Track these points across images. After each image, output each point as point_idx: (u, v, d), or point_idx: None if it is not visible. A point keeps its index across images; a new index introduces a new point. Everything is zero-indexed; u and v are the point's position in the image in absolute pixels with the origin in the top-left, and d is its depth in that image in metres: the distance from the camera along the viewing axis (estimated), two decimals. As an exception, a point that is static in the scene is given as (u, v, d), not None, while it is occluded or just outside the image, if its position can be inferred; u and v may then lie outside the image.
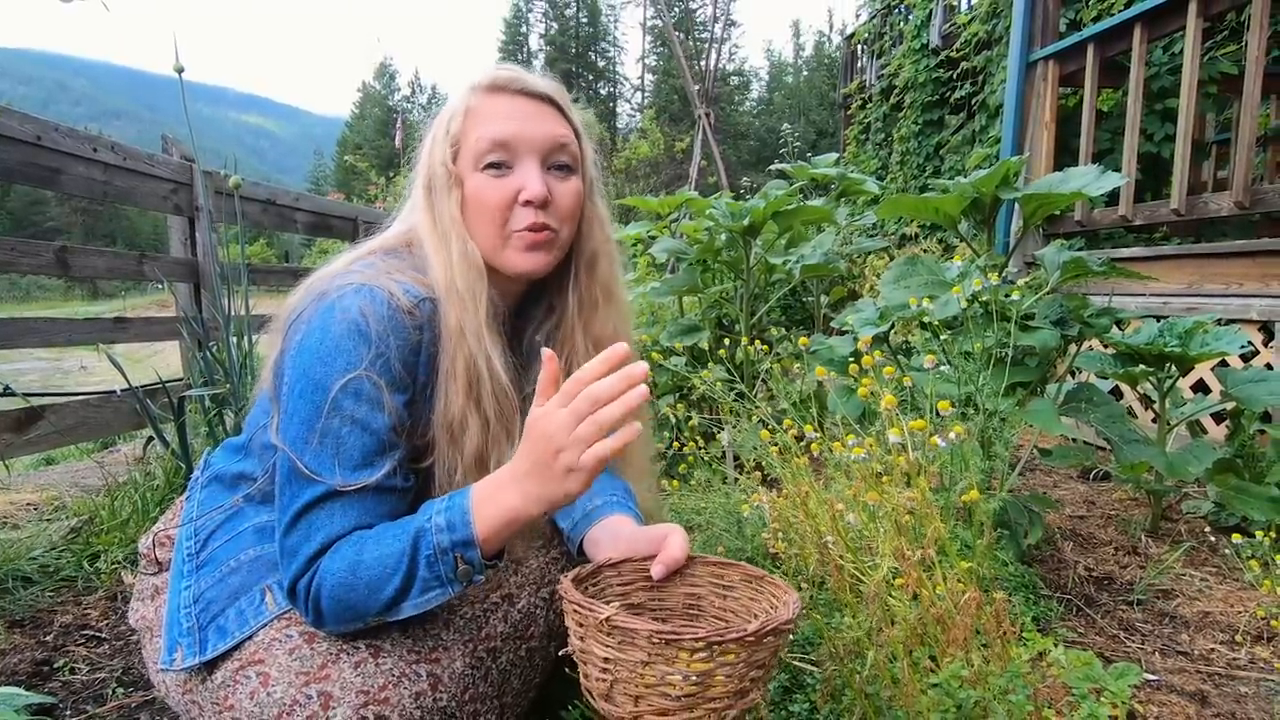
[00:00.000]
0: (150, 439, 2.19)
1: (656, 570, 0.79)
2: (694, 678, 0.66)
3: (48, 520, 2.07)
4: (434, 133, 0.91)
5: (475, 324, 0.85)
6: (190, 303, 2.93)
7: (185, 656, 0.83)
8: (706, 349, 2.28)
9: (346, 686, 0.74)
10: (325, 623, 0.77)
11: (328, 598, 0.75)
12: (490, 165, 0.87)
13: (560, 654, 0.84)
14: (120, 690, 1.33)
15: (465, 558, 0.74)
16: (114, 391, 2.39)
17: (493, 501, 0.75)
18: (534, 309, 1.01)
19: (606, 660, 0.70)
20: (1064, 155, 3.57)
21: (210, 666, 0.82)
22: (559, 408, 0.71)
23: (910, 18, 8.70)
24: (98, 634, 1.54)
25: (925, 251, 5.68)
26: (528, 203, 0.86)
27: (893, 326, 1.80)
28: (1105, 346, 1.96)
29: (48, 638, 1.51)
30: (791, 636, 1.12)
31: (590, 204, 0.97)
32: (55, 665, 1.41)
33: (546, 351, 0.75)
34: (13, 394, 2.01)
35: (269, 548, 0.88)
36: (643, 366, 0.70)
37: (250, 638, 0.81)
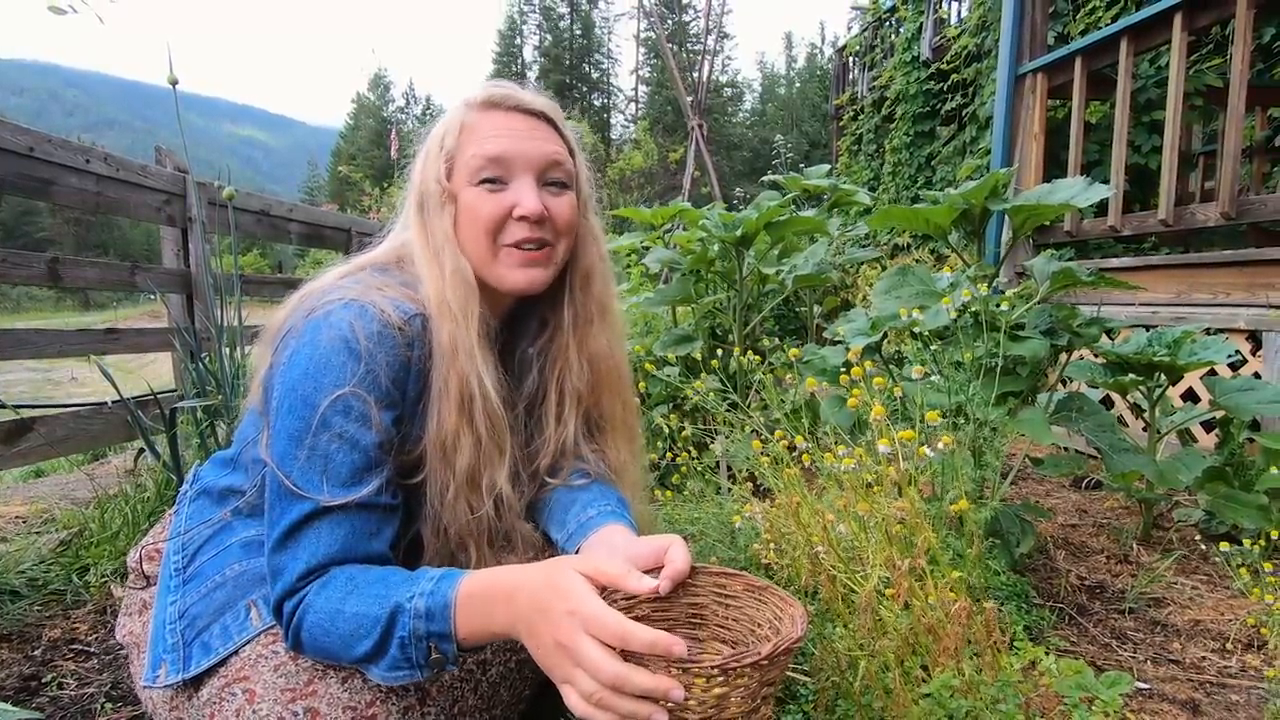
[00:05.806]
0: (141, 451, 2.18)
1: (664, 585, 0.78)
2: (710, 702, 0.66)
3: (36, 533, 2.05)
4: (426, 149, 0.92)
5: (468, 341, 0.84)
6: (183, 313, 2.91)
7: (169, 673, 0.82)
8: (700, 359, 2.28)
9: (333, 703, 0.73)
10: (304, 652, 0.76)
11: (306, 632, 0.74)
12: (485, 181, 0.87)
13: None
14: (109, 705, 1.31)
15: (439, 649, 0.71)
16: (105, 403, 2.37)
17: (484, 610, 0.70)
18: (525, 324, 1.01)
19: None
20: (1053, 166, 3.61)
21: (196, 683, 0.81)
22: (601, 649, 0.63)
23: (901, 31, 8.79)
24: (86, 648, 1.52)
25: (918, 261, 5.71)
26: (522, 218, 0.87)
27: (884, 337, 1.81)
28: (1095, 356, 1.97)
29: (35, 652, 1.49)
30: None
31: (584, 220, 0.97)
32: (43, 680, 1.39)
33: (676, 576, 0.77)
34: (2, 406, 2.00)
35: (255, 562, 0.87)
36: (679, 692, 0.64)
37: (235, 654, 0.80)
